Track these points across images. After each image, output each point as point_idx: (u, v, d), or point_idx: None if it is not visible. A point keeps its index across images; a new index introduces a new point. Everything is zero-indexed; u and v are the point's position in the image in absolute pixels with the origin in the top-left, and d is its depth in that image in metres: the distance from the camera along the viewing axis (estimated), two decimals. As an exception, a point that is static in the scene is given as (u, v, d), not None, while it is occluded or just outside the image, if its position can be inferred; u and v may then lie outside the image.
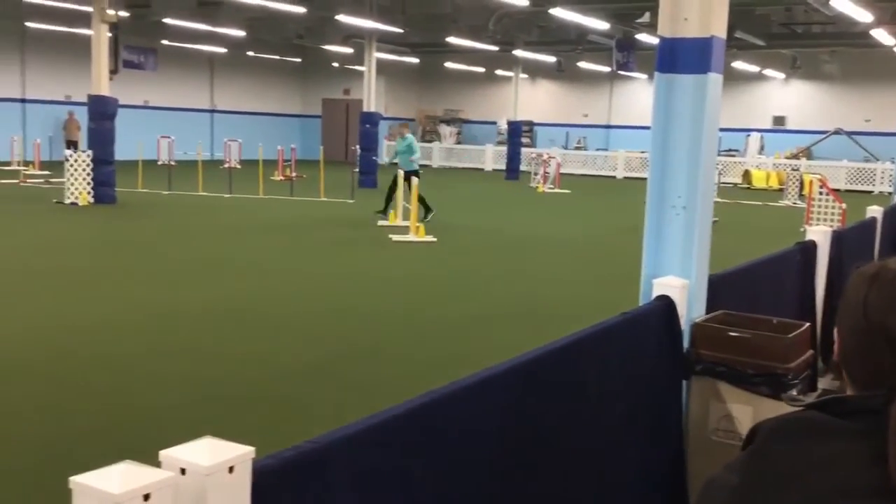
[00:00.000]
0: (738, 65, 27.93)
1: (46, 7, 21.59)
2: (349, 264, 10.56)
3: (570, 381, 2.81)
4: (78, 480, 1.47)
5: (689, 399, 3.56)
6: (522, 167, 28.96)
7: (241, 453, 1.59)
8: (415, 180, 14.35)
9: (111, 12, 16.27)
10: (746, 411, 3.35)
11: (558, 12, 18.27)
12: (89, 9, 16.78)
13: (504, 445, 2.42)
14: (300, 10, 19.39)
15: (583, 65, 31.13)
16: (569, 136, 35.07)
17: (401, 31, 22.72)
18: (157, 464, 1.56)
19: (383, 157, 29.49)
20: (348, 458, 1.85)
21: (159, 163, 26.05)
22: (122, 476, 1.47)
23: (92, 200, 16.02)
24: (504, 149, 30.50)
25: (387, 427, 1.94)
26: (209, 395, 5.26)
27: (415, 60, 32.48)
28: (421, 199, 14.37)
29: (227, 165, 27.20)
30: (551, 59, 30.28)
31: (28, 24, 25.73)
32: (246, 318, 7.38)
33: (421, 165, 15.86)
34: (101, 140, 16.36)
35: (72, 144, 25.11)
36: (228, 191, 18.97)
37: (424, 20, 22.66)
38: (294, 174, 22.76)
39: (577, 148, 34.38)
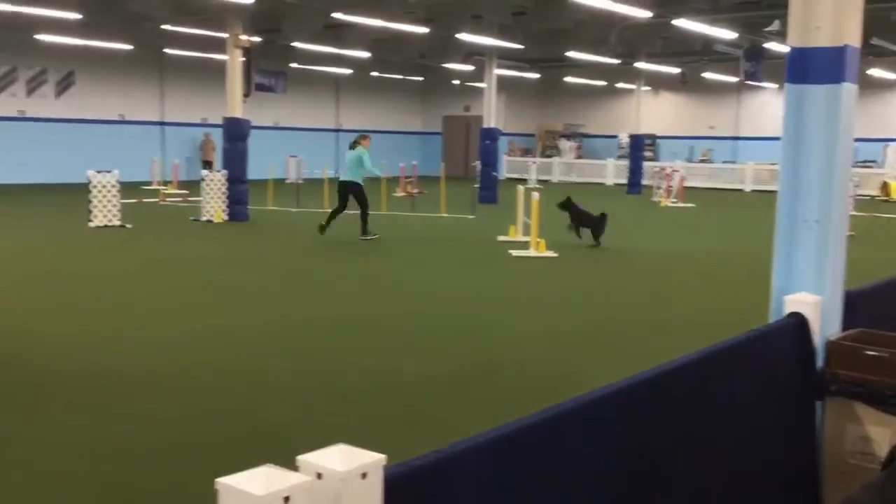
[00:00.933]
0: (875, 72, 26.60)
1: (184, 34, 22.80)
2: (471, 278, 10.65)
3: (697, 398, 2.77)
4: (224, 482, 1.57)
5: (824, 420, 3.43)
6: (644, 181, 28.47)
7: (374, 460, 1.66)
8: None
9: (244, 38, 17.06)
10: (885, 433, 3.20)
11: (683, 23, 17.92)
12: (224, 35, 17.65)
13: (628, 461, 2.40)
14: (423, 30, 19.76)
15: (708, 75, 30.37)
16: (693, 149, 34.25)
17: (521, 46, 22.79)
18: (295, 468, 1.65)
19: (502, 173, 29.55)
20: (474, 469, 1.89)
21: (287, 181, 27.03)
22: (264, 479, 1.56)
23: (226, 218, 16.78)
24: (625, 163, 30.10)
25: (513, 439, 1.97)
26: (338, 404, 5.41)
27: (535, 75, 32.49)
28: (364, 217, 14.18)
29: (351, 183, 27.95)
30: (675, 70, 29.70)
31: (166, 51, 27.24)
32: (372, 330, 7.56)
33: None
34: (235, 160, 17.12)
35: (207, 165, 26.37)
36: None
37: (545, 35, 22.64)
38: (415, 190, 23.13)
39: (702, 161, 33.52)
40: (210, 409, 5.32)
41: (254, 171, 17.93)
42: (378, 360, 6.59)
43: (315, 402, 5.50)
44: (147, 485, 4.17)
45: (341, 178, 14.39)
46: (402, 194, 23.90)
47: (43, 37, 23.34)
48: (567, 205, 13.84)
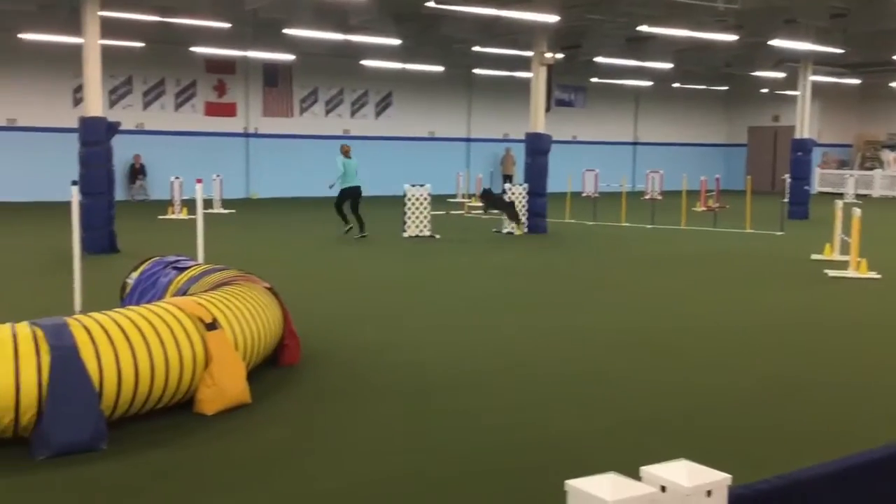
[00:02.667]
0: None
1: (492, 55, 23.88)
2: (784, 297, 10.05)
3: None
4: (573, 484, 1.65)
5: None
6: None
7: (719, 479, 1.66)
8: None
9: (549, 55, 17.49)
10: None
11: None
12: (529, 53, 18.22)
13: None
14: (732, 37, 19.01)
15: None
16: None
17: (840, 51, 21.14)
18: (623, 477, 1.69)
19: (815, 187, 27.49)
20: (820, 498, 1.82)
21: (583, 195, 27.24)
22: (611, 485, 1.62)
23: (526, 230, 17.28)
24: (964, 175, 26.75)
25: (863, 470, 1.87)
26: (635, 421, 5.39)
27: (854, 81, 29.92)
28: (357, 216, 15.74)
29: (648, 197, 27.56)
30: None
31: (475, 70, 28.66)
32: (675, 347, 7.41)
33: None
34: (536, 174, 17.58)
35: (508, 178, 27.32)
36: (650, 221, 19.18)
37: (868, 38, 20.82)
38: (717, 205, 22.28)
39: None
40: (530, 413, 5.52)
41: (552, 185, 18.29)
42: (670, 376, 6.44)
43: (606, 417, 5.51)
44: (473, 477, 4.42)
45: (354, 184, 15.77)
46: (703, 209, 23.14)
47: (367, 62, 25.60)
48: (487, 195, 17.60)
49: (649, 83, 31.54)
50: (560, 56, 21.04)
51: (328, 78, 27.58)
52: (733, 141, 36.75)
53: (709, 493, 1.64)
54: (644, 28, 17.48)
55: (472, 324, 8.37)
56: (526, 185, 17.59)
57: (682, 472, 1.67)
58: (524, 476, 4.44)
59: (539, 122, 17.61)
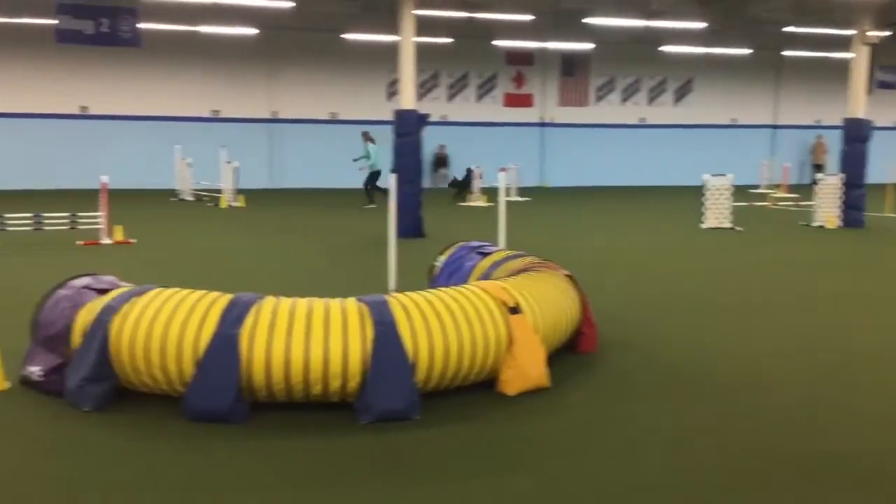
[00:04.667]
0: None
1: (805, 35, 22.24)
2: None
3: None
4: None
5: None
6: None
7: None
8: None
9: (873, 33, 15.95)
10: None
11: None
12: (849, 32, 16.74)
13: None
14: None
15: None
16: None
17: None
18: None
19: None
20: None
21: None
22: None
23: (840, 224, 15.94)
24: None
25: None
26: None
27: None
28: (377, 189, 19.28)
29: None
30: None
31: (784, 52, 26.86)
32: None
33: None
34: (854, 163, 16.16)
35: (818, 168, 25.38)
36: None
37: None
38: None
39: None
40: (818, 421, 5.14)
41: (871, 175, 16.70)
42: None
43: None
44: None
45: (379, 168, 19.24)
46: None
47: (666, 48, 24.95)
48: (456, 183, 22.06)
49: None
50: (886, 34, 19.10)
51: (625, 66, 27.28)
52: None
53: None
54: None
55: (780, 322, 7.90)
56: (841, 176, 16.21)
57: None
58: (834, 487, 4.12)
59: (859, 106, 16.17)
